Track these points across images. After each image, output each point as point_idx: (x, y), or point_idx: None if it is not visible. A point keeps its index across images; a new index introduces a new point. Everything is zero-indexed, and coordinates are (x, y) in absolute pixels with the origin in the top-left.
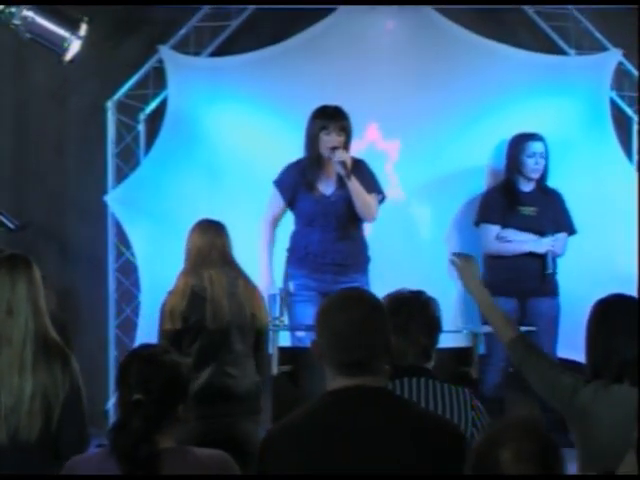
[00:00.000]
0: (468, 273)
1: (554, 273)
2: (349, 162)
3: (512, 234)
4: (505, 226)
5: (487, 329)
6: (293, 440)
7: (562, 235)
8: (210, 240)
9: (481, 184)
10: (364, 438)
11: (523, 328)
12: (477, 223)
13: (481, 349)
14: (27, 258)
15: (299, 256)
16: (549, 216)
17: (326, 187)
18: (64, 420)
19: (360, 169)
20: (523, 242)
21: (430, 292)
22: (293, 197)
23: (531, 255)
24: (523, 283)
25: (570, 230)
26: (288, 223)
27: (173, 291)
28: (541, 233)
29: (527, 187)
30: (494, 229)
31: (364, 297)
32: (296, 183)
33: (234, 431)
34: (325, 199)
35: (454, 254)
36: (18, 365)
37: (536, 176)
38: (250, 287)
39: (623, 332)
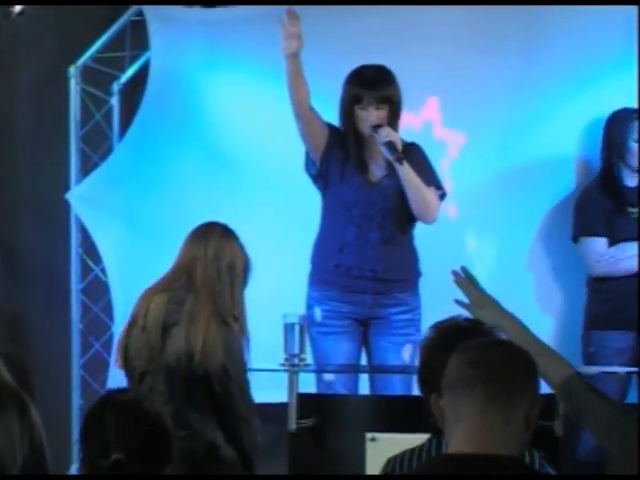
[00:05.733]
0: (487, 303)
1: None
2: (399, 143)
3: (623, 248)
4: (614, 236)
5: (593, 370)
6: None
7: None
8: (194, 253)
9: (569, 183)
10: None
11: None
12: (575, 238)
13: None
14: None
15: (326, 268)
16: None
17: (373, 171)
18: None
19: (413, 156)
20: None
21: None
22: (326, 176)
23: None
24: None
25: None
26: (310, 232)
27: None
28: None
29: (633, 181)
30: (600, 242)
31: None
32: (336, 154)
33: None
34: (370, 186)
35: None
36: None
37: None
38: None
39: None
